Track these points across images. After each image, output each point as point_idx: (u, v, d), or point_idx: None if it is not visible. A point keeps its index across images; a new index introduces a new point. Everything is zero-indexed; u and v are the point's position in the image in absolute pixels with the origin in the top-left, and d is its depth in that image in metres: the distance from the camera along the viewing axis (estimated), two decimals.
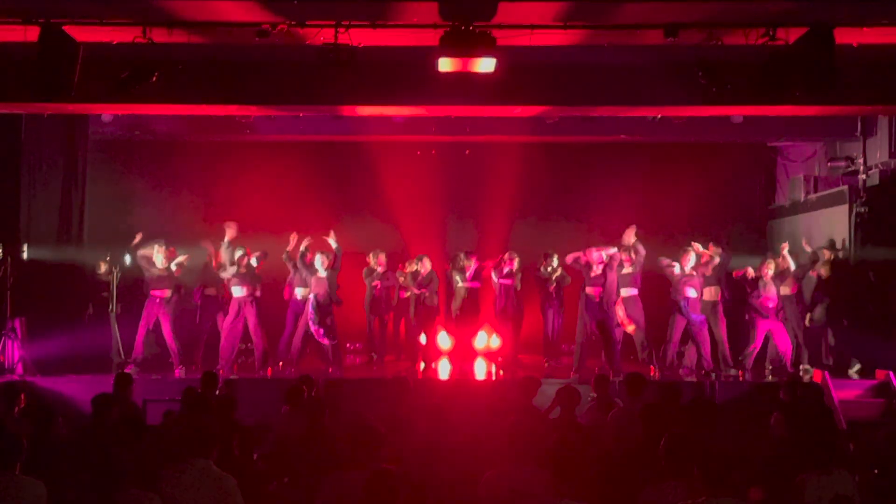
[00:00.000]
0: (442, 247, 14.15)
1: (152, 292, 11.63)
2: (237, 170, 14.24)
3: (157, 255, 11.64)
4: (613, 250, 11.38)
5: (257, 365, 11.65)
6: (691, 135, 13.09)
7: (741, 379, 11.15)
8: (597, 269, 11.25)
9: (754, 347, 11.52)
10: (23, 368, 10.75)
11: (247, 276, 11.63)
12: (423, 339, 12.48)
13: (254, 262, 11.78)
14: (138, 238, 11.97)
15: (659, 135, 13.22)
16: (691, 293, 11.40)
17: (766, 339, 11.70)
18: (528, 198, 14.51)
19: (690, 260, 11.48)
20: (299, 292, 11.87)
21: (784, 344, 11.41)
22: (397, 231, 14.42)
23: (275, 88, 10.29)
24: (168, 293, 11.65)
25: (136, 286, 12.35)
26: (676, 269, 11.44)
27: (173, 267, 11.71)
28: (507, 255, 12.20)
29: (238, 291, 11.61)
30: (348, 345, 13.66)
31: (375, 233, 14.06)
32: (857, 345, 11.51)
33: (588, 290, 11.36)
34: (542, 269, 12.67)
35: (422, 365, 12.11)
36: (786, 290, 11.74)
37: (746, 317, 11.82)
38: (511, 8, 8.13)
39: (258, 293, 11.75)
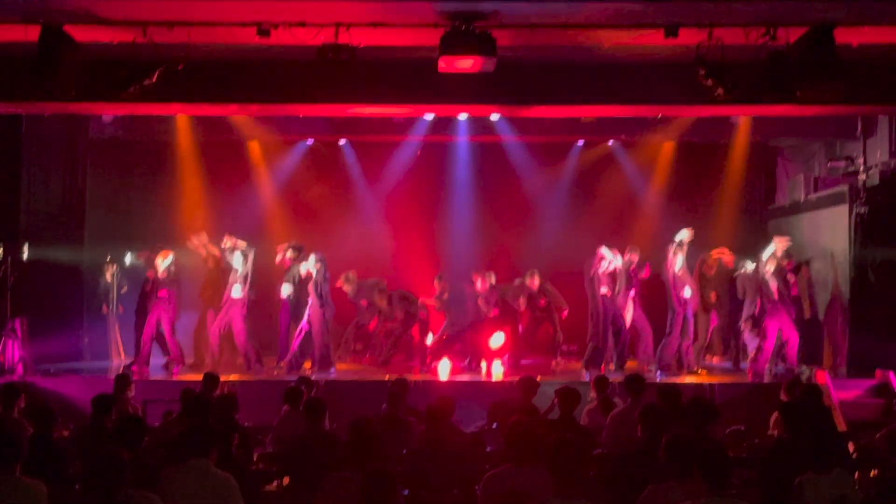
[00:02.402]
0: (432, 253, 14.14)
1: (159, 293, 11.60)
2: (237, 170, 14.25)
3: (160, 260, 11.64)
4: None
5: (248, 366, 11.62)
6: (691, 135, 13.09)
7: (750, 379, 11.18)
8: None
9: (768, 347, 11.47)
10: (23, 368, 10.75)
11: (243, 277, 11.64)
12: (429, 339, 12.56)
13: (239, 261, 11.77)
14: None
15: (658, 135, 13.23)
16: (687, 293, 11.46)
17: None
18: (523, 196, 14.52)
19: (678, 262, 11.50)
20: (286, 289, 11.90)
21: (791, 339, 11.41)
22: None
23: (275, 88, 10.28)
24: (169, 292, 11.63)
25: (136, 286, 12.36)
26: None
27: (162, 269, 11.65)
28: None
29: (236, 292, 11.61)
30: (349, 345, 13.65)
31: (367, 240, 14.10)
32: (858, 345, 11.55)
33: (603, 290, 11.44)
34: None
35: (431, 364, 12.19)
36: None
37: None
38: (512, 7, 8.13)
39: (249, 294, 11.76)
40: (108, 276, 12.56)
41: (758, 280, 11.62)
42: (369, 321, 12.86)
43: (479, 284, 12.14)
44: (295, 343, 11.71)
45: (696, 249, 12.23)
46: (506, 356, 12.23)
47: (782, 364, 11.41)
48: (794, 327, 11.39)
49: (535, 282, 12.28)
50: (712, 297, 12.22)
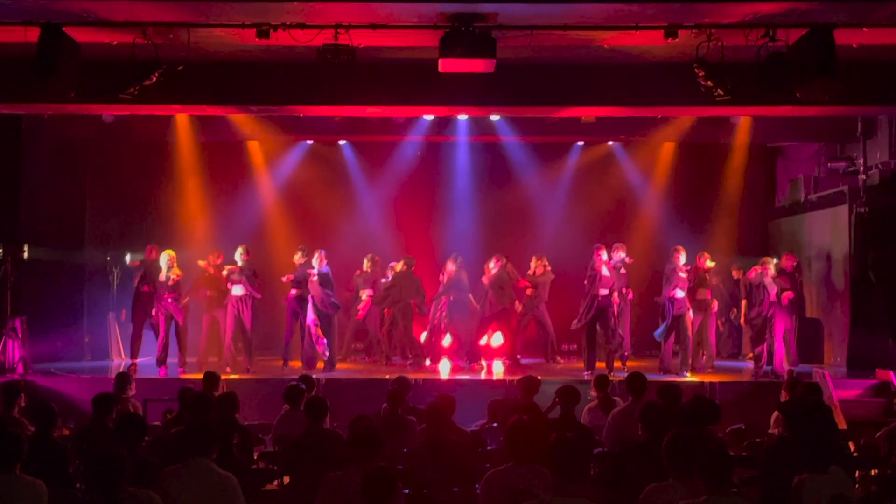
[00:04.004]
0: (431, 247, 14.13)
1: (166, 295, 11.46)
2: (237, 170, 14.25)
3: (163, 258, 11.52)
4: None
5: (245, 364, 11.61)
6: (691, 135, 13.10)
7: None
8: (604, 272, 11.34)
9: (763, 347, 11.47)
10: (23, 368, 10.75)
11: (243, 275, 11.63)
12: (423, 337, 12.57)
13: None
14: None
15: (658, 135, 13.24)
16: (679, 293, 11.45)
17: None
18: (523, 196, 14.54)
19: (682, 258, 11.47)
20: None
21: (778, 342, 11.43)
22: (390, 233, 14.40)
23: (275, 88, 10.29)
24: (178, 294, 11.57)
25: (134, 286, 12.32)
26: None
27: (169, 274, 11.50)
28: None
29: (237, 290, 11.61)
30: (352, 345, 13.66)
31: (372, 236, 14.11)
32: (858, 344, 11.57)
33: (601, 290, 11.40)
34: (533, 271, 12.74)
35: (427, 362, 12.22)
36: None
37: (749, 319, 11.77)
38: (512, 8, 8.14)
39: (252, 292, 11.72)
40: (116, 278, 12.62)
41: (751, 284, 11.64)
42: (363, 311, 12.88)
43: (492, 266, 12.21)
44: (319, 343, 11.66)
45: (695, 249, 12.25)
46: (504, 356, 12.31)
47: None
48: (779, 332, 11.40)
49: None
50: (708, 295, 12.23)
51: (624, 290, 11.99)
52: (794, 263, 12.18)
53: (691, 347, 11.58)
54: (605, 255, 11.34)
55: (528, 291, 12.60)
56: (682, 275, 11.37)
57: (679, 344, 11.48)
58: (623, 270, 11.74)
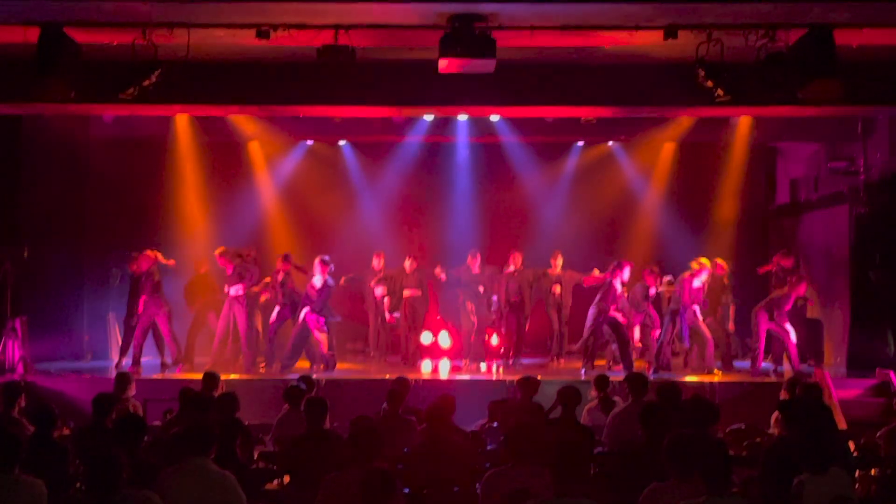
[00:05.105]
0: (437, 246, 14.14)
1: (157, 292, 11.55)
2: (237, 170, 14.24)
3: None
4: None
5: (245, 365, 11.62)
6: (691, 135, 13.10)
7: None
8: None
9: (760, 345, 11.47)
10: (23, 368, 10.75)
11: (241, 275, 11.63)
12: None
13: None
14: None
15: (658, 135, 13.24)
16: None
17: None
18: (523, 196, 14.54)
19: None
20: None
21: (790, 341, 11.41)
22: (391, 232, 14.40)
23: (274, 89, 10.29)
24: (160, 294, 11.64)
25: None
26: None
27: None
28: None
29: (234, 290, 11.61)
30: (348, 345, 13.65)
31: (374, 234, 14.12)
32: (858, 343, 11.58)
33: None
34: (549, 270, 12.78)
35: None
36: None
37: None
38: (512, 9, 8.14)
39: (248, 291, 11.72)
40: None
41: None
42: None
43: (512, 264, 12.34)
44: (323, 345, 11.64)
45: (694, 249, 12.25)
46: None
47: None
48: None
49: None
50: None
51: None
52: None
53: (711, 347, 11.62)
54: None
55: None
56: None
57: (689, 343, 11.57)
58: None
